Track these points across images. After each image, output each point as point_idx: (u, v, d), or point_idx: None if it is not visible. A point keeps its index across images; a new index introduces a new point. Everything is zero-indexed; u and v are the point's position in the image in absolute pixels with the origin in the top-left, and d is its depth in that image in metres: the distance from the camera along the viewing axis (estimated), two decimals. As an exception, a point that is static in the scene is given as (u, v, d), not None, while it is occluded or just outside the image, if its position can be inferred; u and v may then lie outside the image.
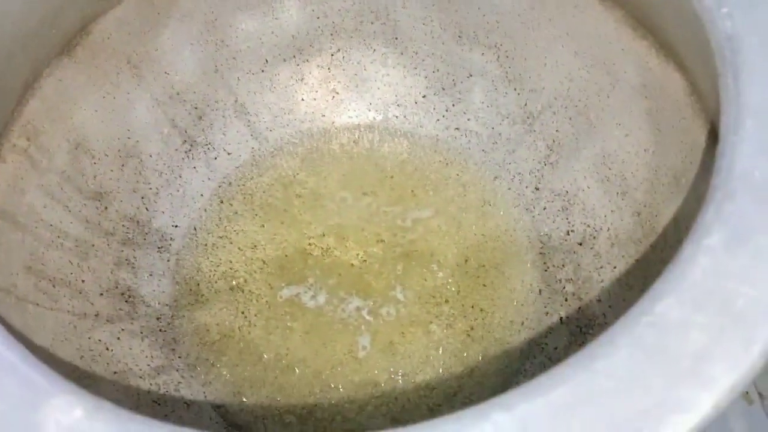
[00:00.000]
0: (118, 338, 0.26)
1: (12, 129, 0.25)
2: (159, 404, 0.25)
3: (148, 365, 0.27)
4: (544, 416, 0.13)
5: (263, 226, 0.31)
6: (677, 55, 0.24)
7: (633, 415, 0.13)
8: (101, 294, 0.27)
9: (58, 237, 0.26)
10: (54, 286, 0.25)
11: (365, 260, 0.30)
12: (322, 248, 0.30)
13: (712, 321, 0.14)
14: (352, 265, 0.30)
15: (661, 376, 0.13)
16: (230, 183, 0.32)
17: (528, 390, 0.13)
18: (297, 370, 0.28)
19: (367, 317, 0.29)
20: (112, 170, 0.29)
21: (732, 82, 0.17)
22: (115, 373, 0.25)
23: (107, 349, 0.26)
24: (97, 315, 0.26)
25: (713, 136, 0.23)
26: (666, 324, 0.14)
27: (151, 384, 0.26)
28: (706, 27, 0.18)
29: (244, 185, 0.32)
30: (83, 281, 0.27)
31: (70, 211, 0.27)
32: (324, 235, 0.31)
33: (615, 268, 0.27)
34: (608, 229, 0.28)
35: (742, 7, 0.18)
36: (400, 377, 0.28)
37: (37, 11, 0.24)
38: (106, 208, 0.28)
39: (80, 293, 0.26)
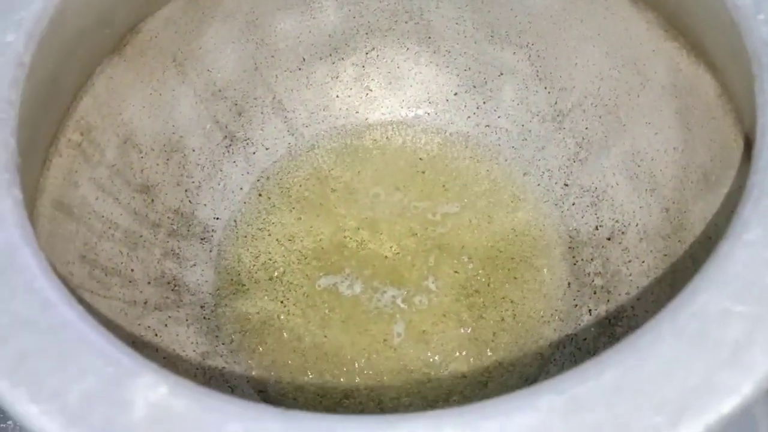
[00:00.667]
0: (166, 325, 0.28)
1: (67, 124, 0.26)
2: (206, 387, 0.26)
3: (194, 351, 0.28)
4: (594, 397, 0.14)
5: (300, 218, 0.32)
6: (708, 56, 0.25)
7: (678, 396, 0.14)
8: (149, 283, 0.28)
9: (109, 228, 0.27)
10: (106, 275, 0.27)
11: (398, 252, 0.31)
12: (357, 241, 0.31)
13: (751, 311, 0.15)
14: (386, 257, 0.31)
15: (704, 362, 0.14)
16: (268, 177, 0.33)
17: (578, 374, 0.15)
18: (335, 357, 0.29)
19: (402, 305, 0.30)
20: (157, 164, 0.30)
21: (768, 85, 0.18)
22: (164, 358, 0.27)
23: (156, 335, 0.27)
24: (146, 303, 0.28)
25: (744, 136, 0.24)
26: (708, 314, 0.15)
27: (197, 369, 0.27)
28: (742, 32, 0.19)
29: (281, 179, 0.33)
30: (132, 270, 0.28)
31: (119, 203, 0.28)
32: (359, 228, 0.32)
33: (643, 262, 0.28)
34: (637, 225, 0.29)
35: (778, 13, 0.19)
36: (433, 365, 0.29)
37: (94, 10, 0.25)
38: (152, 200, 0.29)
39: (130, 282, 0.27)
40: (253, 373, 0.29)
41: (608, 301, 0.28)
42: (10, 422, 0.29)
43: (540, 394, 0.14)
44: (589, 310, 0.29)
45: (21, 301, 0.15)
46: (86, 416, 0.14)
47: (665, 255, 0.27)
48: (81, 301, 0.24)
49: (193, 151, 0.31)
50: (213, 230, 0.31)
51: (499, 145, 0.33)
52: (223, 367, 0.28)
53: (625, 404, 0.14)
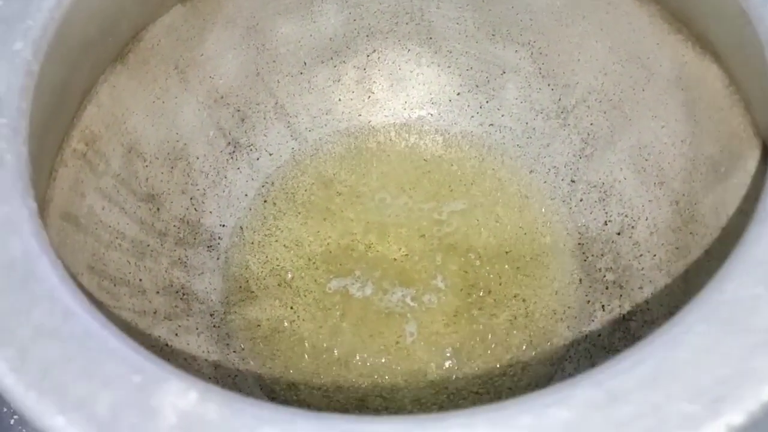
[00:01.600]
0: (176, 334, 0.27)
1: (72, 134, 0.26)
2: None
3: (206, 360, 0.28)
4: (631, 389, 0.14)
5: (306, 223, 0.32)
6: (714, 47, 0.25)
7: (714, 383, 0.14)
8: (158, 292, 0.28)
9: (116, 238, 0.27)
10: (115, 285, 0.26)
11: (407, 254, 0.31)
12: (365, 244, 0.31)
13: (782, 296, 0.15)
14: (395, 259, 0.31)
15: (737, 348, 0.14)
16: (273, 183, 0.33)
17: (613, 367, 0.14)
18: (348, 361, 0.29)
19: (411, 303, 0.30)
20: (162, 172, 0.30)
21: (783, 73, 0.18)
22: (176, 367, 0.26)
23: (167, 344, 0.27)
24: (155, 312, 0.27)
25: (753, 126, 0.24)
26: (738, 300, 0.15)
27: (209, 378, 0.27)
28: (753, 21, 0.19)
29: (286, 184, 0.33)
30: (141, 280, 0.27)
31: (126, 212, 0.28)
32: (366, 231, 0.32)
33: (655, 256, 0.28)
34: (646, 219, 0.28)
35: (790, 1, 0.19)
36: (447, 366, 0.29)
37: (98, 19, 0.25)
38: (158, 209, 0.29)
39: (139, 292, 0.27)
40: (266, 379, 0.28)
41: (621, 296, 0.28)
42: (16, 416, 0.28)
43: (575, 387, 0.14)
44: (602, 306, 0.28)
45: (42, 311, 0.15)
46: (115, 426, 0.14)
47: (677, 248, 0.27)
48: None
49: (197, 158, 0.31)
50: (219, 237, 0.31)
51: (504, 143, 0.33)
52: (236, 375, 0.28)
53: (661, 395, 0.14)
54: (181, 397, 0.14)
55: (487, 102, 0.33)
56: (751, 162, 0.24)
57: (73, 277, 0.23)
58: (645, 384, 0.14)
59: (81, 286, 0.24)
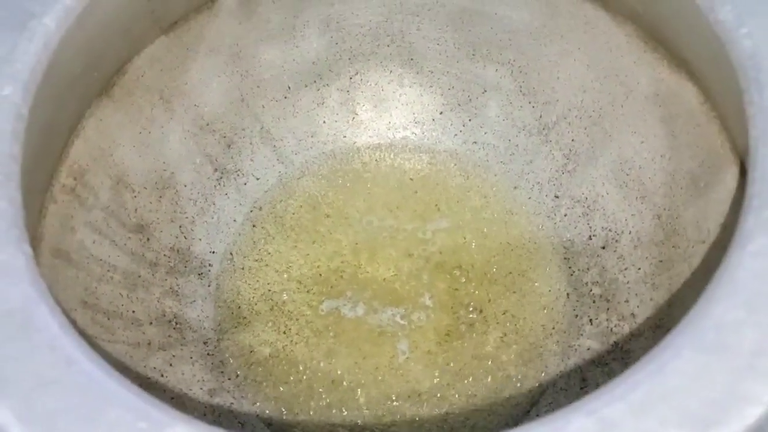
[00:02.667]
0: (171, 364, 0.27)
1: (61, 170, 0.26)
2: (217, 425, 0.26)
3: (201, 389, 0.28)
4: (624, 417, 0.14)
5: (296, 246, 0.32)
6: (689, 65, 0.26)
7: (704, 409, 0.14)
8: (151, 323, 0.28)
9: (108, 271, 0.27)
10: (108, 319, 0.26)
11: (396, 274, 0.31)
12: (355, 265, 0.32)
13: (765, 319, 0.15)
14: (384, 279, 0.31)
15: (724, 372, 0.15)
16: (261, 207, 0.33)
17: (605, 395, 0.15)
18: (342, 384, 0.29)
19: (402, 322, 0.30)
20: (150, 202, 0.30)
21: (758, 97, 0.18)
22: (172, 398, 0.26)
23: (162, 375, 0.27)
24: (149, 344, 0.27)
25: (730, 141, 0.24)
26: (723, 325, 0.15)
27: (206, 407, 0.27)
28: (726, 46, 0.20)
29: (274, 208, 0.33)
30: (133, 312, 0.28)
31: (116, 245, 0.28)
32: (355, 253, 0.32)
33: (639, 269, 0.28)
34: (630, 232, 0.29)
35: (761, 26, 0.19)
36: (441, 386, 0.29)
37: (83, 57, 0.25)
38: (148, 239, 0.29)
39: (132, 323, 0.27)
40: (261, 406, 0.29)
41: (608, 309, 0.29)
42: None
43: (569, 417, 0.15)
44: (590, 320, 0.29)
45: (44, 359, 0.15)
46: (121, 473, 0.14)
47: (660, 261, 0.28)
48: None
49: (185, 186, 0.31)
50: (210, 264, 0.31)
51: (488, 160, 0.33)
52: (231, 403, 0.28)
53: (653, 421, 0.14)
54: (186, 441, 0.14)
55: (469, 120, 0.34)
56: (730, 177, 0.24)
57: (67, 314, 0.23)
58: (636, 411, 0.14)
59: (72, 324, 0.24)
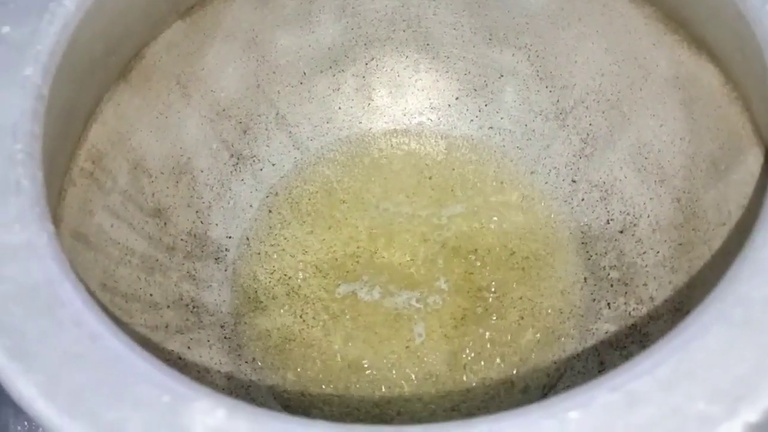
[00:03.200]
0: (189, 347, 0.28)
1: (79, 153, 0.26)
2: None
3: (219, 371, 0.28)
4: (650, 392, 0.14)
5: (312, 232, 0.32)
6: (710, 47, 0.26)
7: (732, 384, 0.14)
8: (168, 306, 0.28)
9: (126, 254, 0.27)
10: (127, 302, 0.26)
11: (411, 259, 0.31)
12: (371, 250, 0.31)
13: (793, 295, 0.15)
14: (400, 264, 0.31)
15: (753, 348, 0.15)
16: (276, 193, 0.33)
17: (630, 369, 0.15)
18: (358, 368, 0.29)
19: (417, 305, 0.30)
20: (168, 187, 0.30)
21: (783, 74, 0.18)
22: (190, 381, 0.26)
23: (180, 358, 0.27)
24: (167, 327, 0.27)
25: (752, 123, 0.24)
26: (751, 302, 0.15)
27: (223, 389, 0.27)
28: (751, 24, 0.20)
29: (290, 194, 0.33)
30: (151, 295, 0.28)
31: (134, 228, 0.28)
32: (371, 238, 0.32)
33: (658, 252, 0.28)
34: (648, 216, 0.29)
35: (787, 3, 0.19)
36: (457, 369, 0.29)
37: (102, 40, 0.25)
38: (165, 224, 0.29)
39: (151, 307, 0.27)
40: (279, 390, 0.29)
41: (626, 293, 0.29)
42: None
43: (594, 391, 0.15)
44: (608, 304, 0.29)
45: (69, 335, 0.15)
46: (147, 446, 0.14)
47: (680, 244, 0.27)
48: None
49: (202, 171, 0.31)
50: (226, 249, 0.31)
51: (504, 146, 0.33)
52: (249, 386, 0.28)
53: (680, 396, 0.14)
54: (210, 415, 0.14)
55: (486, 105, 0.33)
56: (752, 158, 0.24)
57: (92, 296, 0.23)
58: (664, 386, 0.14)
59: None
